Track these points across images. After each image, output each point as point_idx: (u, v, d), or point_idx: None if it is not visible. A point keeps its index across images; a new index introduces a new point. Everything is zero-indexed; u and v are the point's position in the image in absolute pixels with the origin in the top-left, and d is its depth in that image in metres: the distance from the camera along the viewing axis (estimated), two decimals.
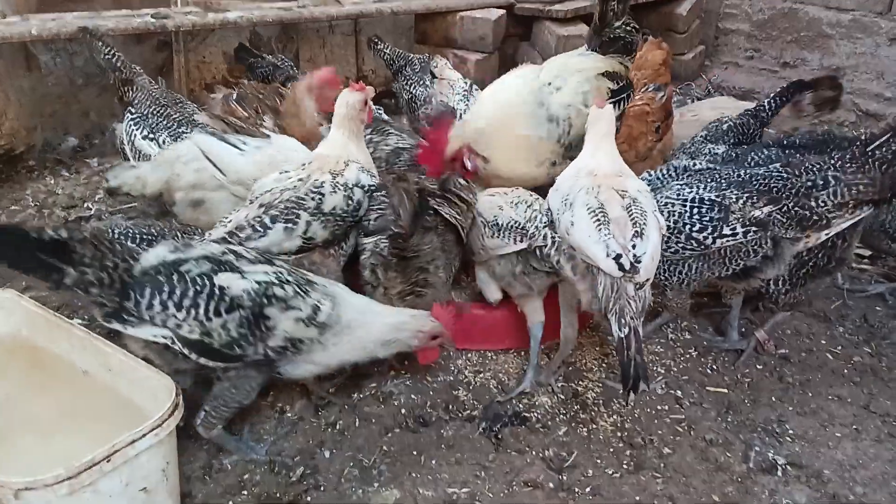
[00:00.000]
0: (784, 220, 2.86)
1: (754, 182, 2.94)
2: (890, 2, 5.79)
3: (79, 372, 2.54)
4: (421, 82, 4.35)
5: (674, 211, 2.93)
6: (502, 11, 5.66)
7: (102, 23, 4.33)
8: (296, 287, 2.46)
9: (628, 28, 3.46)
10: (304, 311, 2.43)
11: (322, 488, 2.52)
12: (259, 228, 2.77)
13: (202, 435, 2.55)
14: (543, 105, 3.30)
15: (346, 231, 2.94)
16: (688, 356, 3.27)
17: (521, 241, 2.84)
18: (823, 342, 3.41)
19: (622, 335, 2.52)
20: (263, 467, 2.58)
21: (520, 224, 2.89)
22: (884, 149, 2.92)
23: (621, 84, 3.43)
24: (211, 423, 2.51)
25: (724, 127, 3.90)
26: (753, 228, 2.86)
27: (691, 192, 2.96)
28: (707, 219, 2.89)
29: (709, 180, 3.01)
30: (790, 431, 2.88)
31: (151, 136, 3.51)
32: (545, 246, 2.78)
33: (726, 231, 2.87)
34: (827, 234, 2.92)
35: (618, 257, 2.56)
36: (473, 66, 5.50)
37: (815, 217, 2.86)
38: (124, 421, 2.24)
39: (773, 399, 3.04)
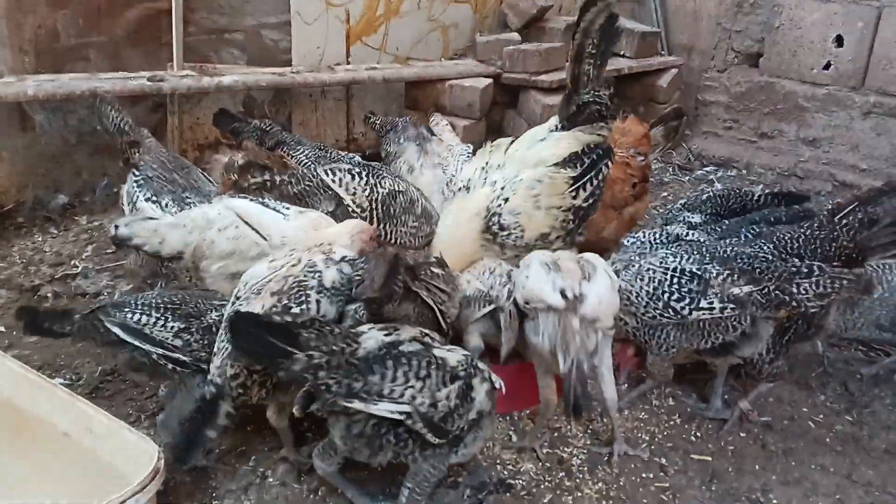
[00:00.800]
0: (763, 302, 2.90)
1: (738, 260, 3.00)
2: (863, 77, 6.03)
3: (60, 434, 2.52)
4: (395, 140, 4.45)
5: (654, 277, 3.01)
6: (490, 80, 5.84)
7: (99, 84, 4.43)
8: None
9: (599, 94, 3.44)
10: (492, 384, 2.55)
11: None
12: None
13: None
14: (492, 223, 3.37)
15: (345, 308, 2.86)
16: (672, 423, 3.28)
17: (486, 305, 3.05)
18: (805, 410, 3.43)
19: (564, 369, 2.65)
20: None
21: (484, 292, 3.09)
22: (850, 217, 3.04)
23: (594, 154, 3.39)
24: (416, 500, 2.52)
25: (704, 197, 4.04)
26: (731, 305, 2.91)
27: (674, 261, 3.04)
28: (686, 290, 2.95)
29: (694, 252, 3.09)
30: (774, 501, 2.87)
31: (154, 198, 3.44)
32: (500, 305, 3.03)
33: (703, 304, 2.93)
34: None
35: (562, 291, 2.71)
36: (461, 132, 5.63)
37: (793, 303, 2.90)
38: (105, 485, 2.22)
39: (757, 467, 3.04)
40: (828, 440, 3.24)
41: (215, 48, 5.27)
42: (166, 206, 3.40)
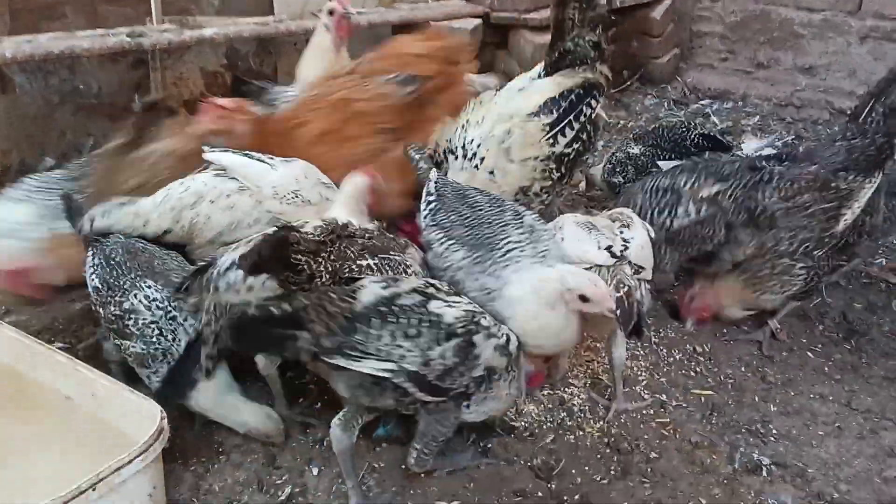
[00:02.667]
0: (732, 206, 3.14)
1: (705, 165, 3.34)
2: (860, 1, 5.88)
3: (62, 398, 2.53)
4: None
5: (636, 202, 3.29)
6: (479, 21, 5.69)
7: (78, 43, 4.30)
8: (491, 316, 2.42)
9: (585, 39, 3.28)
10: (500, 339, 2.38)
11: None
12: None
13: (417, 471, 2.57)
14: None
15: None
16: (672, 359, 3.30)
17: None
18: (804, 340, 3.45)
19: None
20: (252, 487, 2.57)
21: None
22: (872, 114, 3.19)
23: (573, 96, 3.25)
24: (424, 460, 2.51)
25: (649, 129, 4.27)
26: (704, 206, 3.14)
27: (651, 182, 3.36)
28: (664, 203, 3.22)
29: (666, 179, 3.35)
30: (774, 431, 2.91)
31: None
32: None
33: (680, 211, 3.15)
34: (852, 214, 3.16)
35: (609, 248, 2.71)
36: None
37: (759, 207, 3.14)
38: (109, 447, 2.24)
39: (757, 399, 3.07)
40: (826, 369, 3.27)
41: (195, 0, 5.12)
42: None
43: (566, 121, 3.25)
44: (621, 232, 2.83)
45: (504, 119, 3.27)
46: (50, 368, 2.54)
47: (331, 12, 3.81)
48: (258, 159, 2.99)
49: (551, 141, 3.24)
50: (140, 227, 2.87)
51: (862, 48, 5.95)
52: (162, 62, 4.87)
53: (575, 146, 3.29)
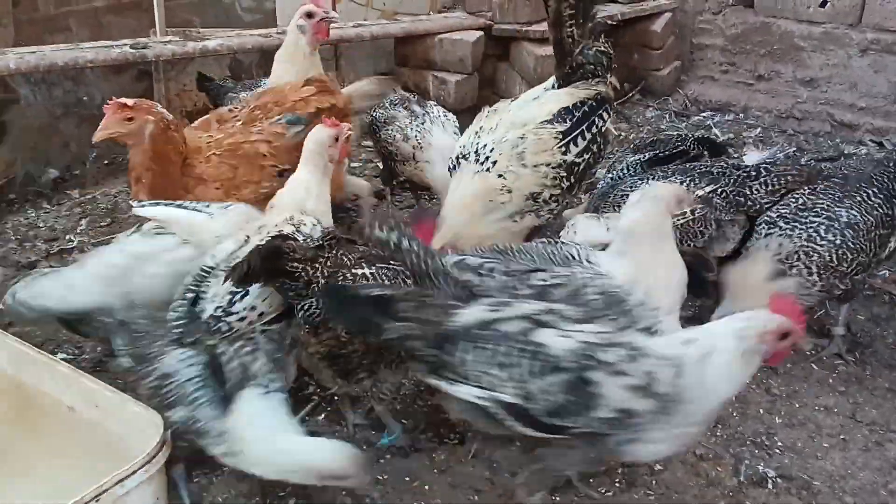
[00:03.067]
0: (723, 203, 3.30)
1: (698, 169, 3.48)
2: (860, 14, 5.91)
3: (65, 409, 2.52)
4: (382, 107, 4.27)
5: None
6: (480, 33, 5.73)
7: (82, 54, 4.33)
8: (628, 351, 2.10)
9: (592, 52, 3.31)
10: (635, 378, 2.06)
11: None
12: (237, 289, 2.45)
13: (521, 499, 2.41)
14: (491, 199, 3.25)
15: None
16: None
17: None
18: (808, 352, 3.44)
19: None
20: (255, 499, 2.55)
21: None
22: None
23: (586, 107, 3.28)
24: (532, 490, 2.36)
25: (648, 141, 4.22)
26: (698, 206, 3.21)
27: (642, 182, 3.39)
28: None
29: (659, 173, 3.53)
30: (779, 443, 2.89)
31: None
32: None
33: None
34: None
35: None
36: (453, 88, 5.55)
37: (749, 203, 3.30)
38: (112, 458, 2.22)
39: (761, 411, 3.06)
40: (831, 381, 3.26)
41: (198, 12, 5.15)
42: None
43: (579, 130, 3.28)
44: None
45: (517, 126, 3.29)
46: (53, 379, 2.53)
47: (309, 14, 3.77)
48: (194, 209, 2.82)
49: (564, 149, 3.26)
50: (68, 303, 2.71)
51: (863, 61, 5.97)
52: (165, 73, 4.91)
53: (585, 157, 3.32)
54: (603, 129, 3.36)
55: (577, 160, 3.30)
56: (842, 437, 2.94)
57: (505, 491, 2.62)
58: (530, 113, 3.33)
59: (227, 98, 4.25)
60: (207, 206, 2.84)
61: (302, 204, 2.79)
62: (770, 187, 3.33)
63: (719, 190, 3.34)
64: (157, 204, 2.85)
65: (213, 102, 4.43)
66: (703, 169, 3.48)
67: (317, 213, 2.80)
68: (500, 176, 3.25)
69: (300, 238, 2.59)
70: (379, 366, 2.61)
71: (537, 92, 3.46)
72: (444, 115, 4.23)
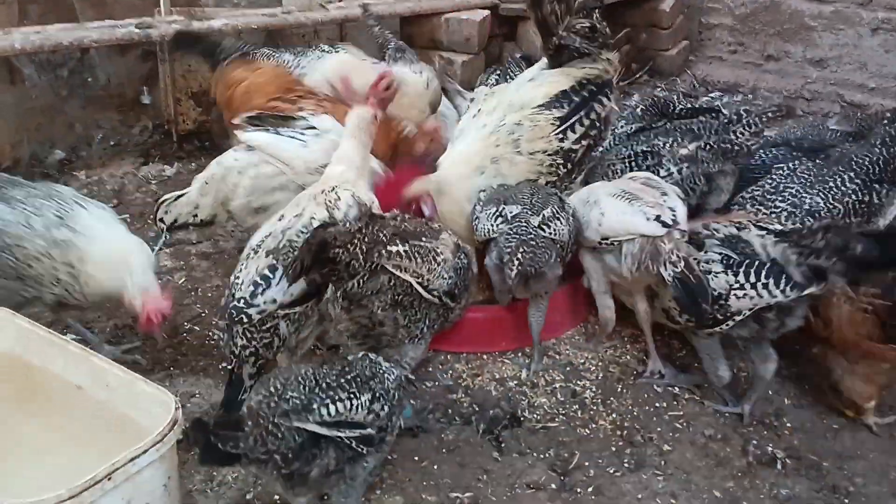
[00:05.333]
0: (710, 155, 3.30)
1: (678, 128, 3.49)
2: None
3: (74, 389, 2.52)
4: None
5: (615, 169, 3.40)
6: (487, 12, 5.65)
7: (86, 34, 4.30)
8: None
9: (577, 29, 3.17)
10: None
11: (325, 498, 2.51)
12: (261, 281, 2.55)
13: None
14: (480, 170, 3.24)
15: None
16: (684, 352, 3.28)
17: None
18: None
19: (670, 276, 2.66)
20: (265, 478, 2.56)
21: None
22: None
23: (586, 91, 3.22)
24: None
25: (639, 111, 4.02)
26: (685, 165, 3.28)
27: (626, 150, 3.45)
28: (645, 167, 3.32)
29: (642, 138, 3.54)
30: (788, 424, 2.89)
31: None
32: None
33: (663, 173, 3.28)
34: None
35: (658, 218, 2.78)
36: (460, 68, 5.49)
37: (735, 146, 3.31)
38: (122, 437, 2.22)
39: (770, 392, 3.05)
40: None
41: None
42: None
43: (577, 117, 3.21)
44: (664, 200, 2.88)
45: (515, 109, 3.25)
46: (63, 359, 2.52)
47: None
48: (289, 136, 3.20)
49: (560, 136, 3.21)
50: (195, 214, 3.26)
51: (873, 40, 5.90)
52: (171, 54, 4.86)
53: (584, 143, 3.25)
54: (603, 114, 3.26)
55: (575, 147, 3.24)
56: (851, 418, 2.94)
57: (513, 471, 2.63)
58: (528, 95, 3.26)
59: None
60: (303, 134, 3.24)
61: (340, 179, 2.89)
62: (753, 128, 3.37)
63: (703, 144, 3.33)
64: (258, 129, 3.27)
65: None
66: (685, 127, 3.49)
67: (356, 181, 2.92)
68: (495, 162, 3.20)
69: (338, 216, 2.69)
70: (404, 341, 2.73)
71: (532, 72, 3.40)
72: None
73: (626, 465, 2.69)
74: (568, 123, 3.20)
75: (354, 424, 2.15)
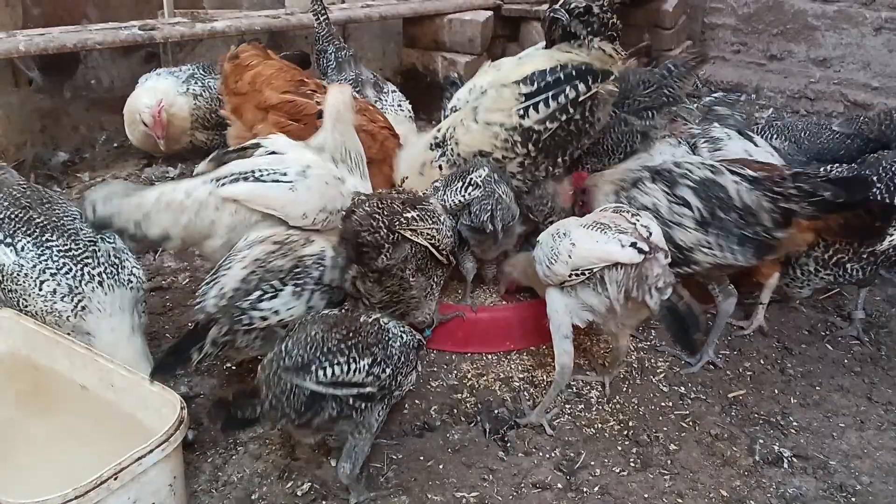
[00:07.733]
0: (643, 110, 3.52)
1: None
2: None
3: (80, 389, 2.52)
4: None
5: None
6: (490, 13, 5.67)
7: (90, 36, 4.31)
8: None
9: (568, 7, 3.04)
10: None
11: (331, 498, 2.51)
12: (269, 289, 2.57)
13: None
14: (435, 139, 3.40)
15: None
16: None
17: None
18: (823, 333, 3.42)
19: (656, 306, 2.56)
20: (271, 478, 2.56)
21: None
22: None
23: (562, 73, 3.06)
24: None
25: None
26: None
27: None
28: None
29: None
30: (794, 423, 2.88)
31: (8, 240, 2.71)
32: None
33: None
34: None
35: (634, 245, 2.54)
36: (463, 69, 5.49)
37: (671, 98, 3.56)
38: (128, 437, 2.23)
39: (776, 392, 3.05)
40: (846, 362, 3.24)
41: None
42: (22, 249, 2.68)
43: (544, 96, 3.07)
44: (636, 221, 2.67)
45: (496, 86, 3.23)
46: (69, 359, 2.54)
47: None
48: (271, 179, 2.87)
49: (521, 112, 3.11)
50: (142, 227, 2.84)
51: (877, 39, 5.89)
52: (174, 56, 4.88)
53: (549, 125, 3.10)
54: (579, 99, 3.07)
55: (536, 127, 3.11)
56: (857, 417, 2.93)
57: (518, 471, 2.62)
58: (511, 72, 3.22)
59: None
60: (284, 174, 2.87)
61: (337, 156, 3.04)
62: (680, 76, 3.58)
63: (633, 101, 3.54)
64: (237, 180, 2.86)
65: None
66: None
67: (353, 170, 3.07)
68: (450, 128, 3.30)
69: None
70: (431, 308, 3.03)
71: (526, 51, 3.40)
72: (399, 103, 4.22)
73: (632, 464, 2.68)
74: (532, 101, 3.09)
75: (353, 384, 2.31)
